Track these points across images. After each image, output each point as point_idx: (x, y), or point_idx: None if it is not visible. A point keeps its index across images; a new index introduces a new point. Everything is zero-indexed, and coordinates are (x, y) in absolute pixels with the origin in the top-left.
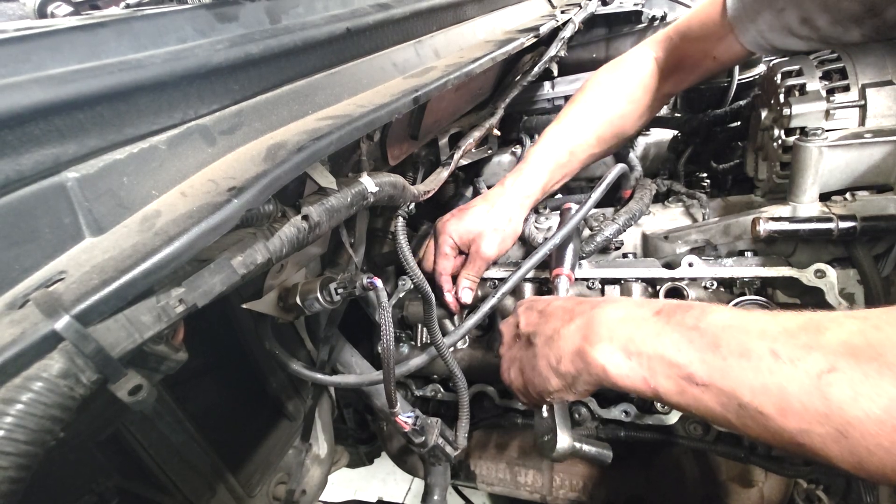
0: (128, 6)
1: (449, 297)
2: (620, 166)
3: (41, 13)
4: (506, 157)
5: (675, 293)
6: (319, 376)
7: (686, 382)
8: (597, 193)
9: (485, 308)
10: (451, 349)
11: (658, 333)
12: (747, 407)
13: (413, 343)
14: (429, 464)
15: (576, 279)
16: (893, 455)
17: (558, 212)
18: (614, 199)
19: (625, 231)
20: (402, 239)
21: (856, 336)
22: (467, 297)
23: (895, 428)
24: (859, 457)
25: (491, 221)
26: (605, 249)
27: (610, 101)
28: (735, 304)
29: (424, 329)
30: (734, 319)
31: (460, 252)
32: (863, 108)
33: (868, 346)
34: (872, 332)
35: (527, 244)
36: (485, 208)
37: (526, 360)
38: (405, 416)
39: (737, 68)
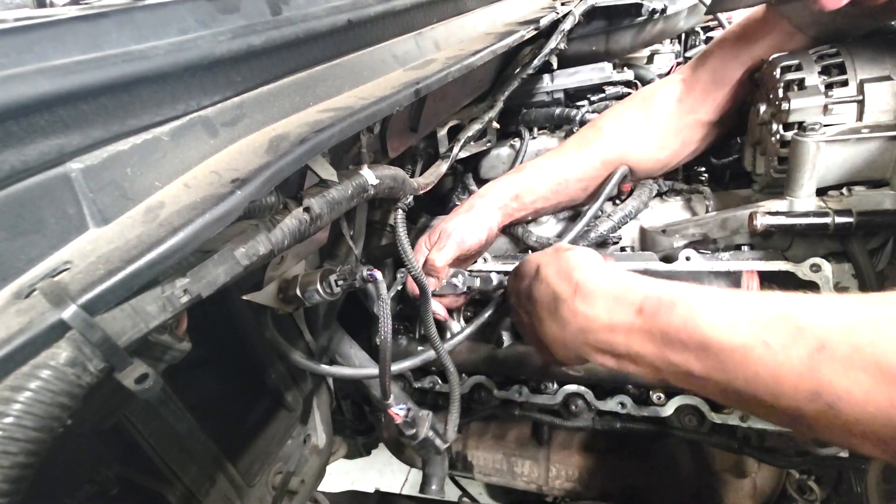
0: None
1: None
2: (623, 168)
3: (40, 2)
4: (504, 150)
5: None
6: (322, 367)
7: (688, 376)
8: (601, 198)
9: (486, 313)
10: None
11: (650, 340)
12: (743, 395)
13: (411, 335)
14: (420, 455)
15: None
16: (879, 429)
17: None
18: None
19: (620, 228)
20: (402, 231)
21: (852, 312)
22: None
23: (885, 396)
24: (850, 433)
25: (457, 216)
26: (603, 243)
27: (618, 124)
28: None
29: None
30: (723, 312)
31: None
32: (861, 103)
33: (863, 319)
34: (869, 309)
35: (522, 244)
36: (460, 212)
37: (548, 352)
38: (398, 408)
39: None
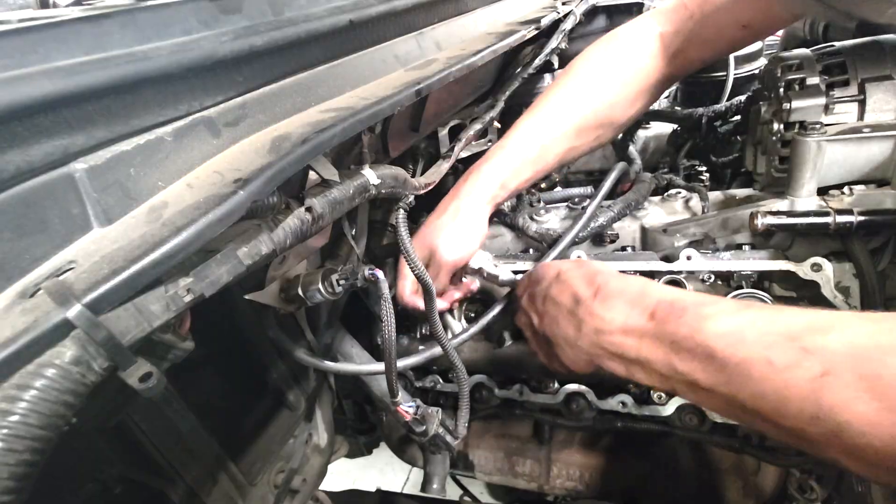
0: None
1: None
2: (622, 164)
3: (43, 3)
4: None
5: (673, 286)
6: (327, 363)
7: (694, 387)
8: (603, 190)
9: (494, 311)
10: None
11: (659, 346)
12: (748, 409)
13: (413, 335)
14: (429, 453)
15: None
16: (883, 458)
17: (556, 205)
18: (614, 193)
19: (619, 220)
20: (404, 231)
21: (862, 339)
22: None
23: (889, 431)
24: (853, 457)
25: (445, 229)
26: (600, 241)
27: (596, 86)
28: (732, 297)
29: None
30: (731, 324)
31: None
32: (862, 102)
33: (874, 348)
34: (882, 336)
35: (524, 236)
36: (437, 219)
37: (556, 356)
38: (406, 406)
39: (732, 62)
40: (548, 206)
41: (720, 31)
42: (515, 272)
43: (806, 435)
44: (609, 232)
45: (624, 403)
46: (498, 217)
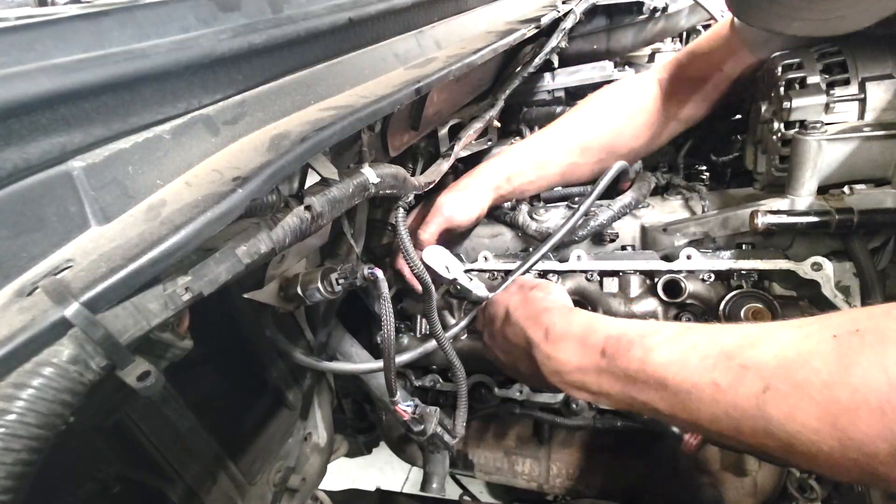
0: None
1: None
2: (620, 163)
3: (42, 0)
4: (505, 149)
5: (673, 285)
6: (323, 363)
7: (657, 413)
8: (599, 188)
9: (470, 316)
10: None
11: (615, 380)
12: (711, 431)
13: (412, 334)
14: (427, 452)
15: (575, 271)
16: (838, 460)
17: (555, 205)
18: (614, 192)
19: (620, 218)
20: (403, 230)
21: (787, 348)
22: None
23: (830, 435)
24: (814, 462)
25: (451, 191)
26: (600, 240)
27: (601, 114)
28: (732, 297)
29: (423, 320)
30: (674, 352)
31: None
32: (862, 101)
33: (798, 356)
34: (803, 342)
35: (523, 234)
36: (445, 191)
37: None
38: (405, 405)
39: None
40: (547, 204)
41: (704, 74)
42: (496, 272)
43: (767, 448)
44: (609, 231)
45: None
46: (498, 216)
